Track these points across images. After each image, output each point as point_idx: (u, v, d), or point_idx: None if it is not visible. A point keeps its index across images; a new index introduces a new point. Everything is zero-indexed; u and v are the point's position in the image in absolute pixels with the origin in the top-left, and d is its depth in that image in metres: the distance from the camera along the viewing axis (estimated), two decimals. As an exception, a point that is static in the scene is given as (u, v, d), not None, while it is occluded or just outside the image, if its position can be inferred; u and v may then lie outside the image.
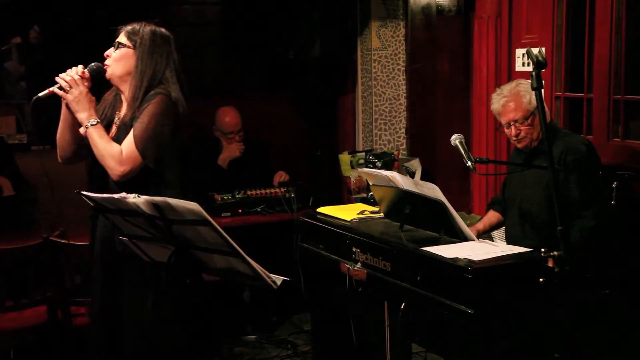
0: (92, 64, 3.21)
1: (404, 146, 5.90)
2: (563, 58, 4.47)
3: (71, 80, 3.10)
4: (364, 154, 5.53)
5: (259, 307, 5.32)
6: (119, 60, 3.21)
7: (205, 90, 5.92)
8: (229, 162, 5.42)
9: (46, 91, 3.13)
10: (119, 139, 3.14)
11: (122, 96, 3.27)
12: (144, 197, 2.59)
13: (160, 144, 3.12)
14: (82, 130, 3.12)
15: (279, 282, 2.64)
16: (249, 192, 5.08)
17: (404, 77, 5.86)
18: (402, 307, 3.23)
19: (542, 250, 2.89)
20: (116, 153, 3.08)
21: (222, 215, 4.94)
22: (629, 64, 4.07)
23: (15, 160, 5.20)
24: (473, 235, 3.37)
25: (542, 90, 2.77)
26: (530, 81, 3.45)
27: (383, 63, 5.82)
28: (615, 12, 4.06)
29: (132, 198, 2.62)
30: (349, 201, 5.35)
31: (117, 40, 3.25)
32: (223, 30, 6.12)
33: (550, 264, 2.95)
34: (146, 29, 3.25)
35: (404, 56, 5.83)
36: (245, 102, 5.81)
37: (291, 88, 6.24)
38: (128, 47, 3.21)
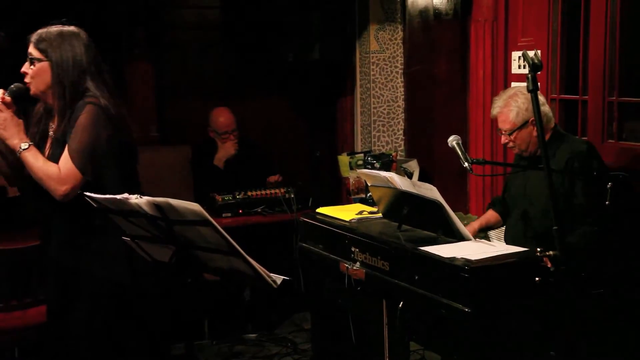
0: (12, 85, 3.02)
1: (402, 147, 5.90)
2: (558, 61, 4.47)
3: None
4: (362, 155, 5.53)
5: (259, 306, 5.32)
6: (37, 76, 3.02)
7: (206, 92, 5.92)
8: (224, 161, 5.41)
9: None
10: (54, 154, 3.00)
11: (53, 110, 3.08)
12: (145, 198, 2.59)
13: (97, 156, 2.97)
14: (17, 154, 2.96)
15: (279, 282, 2.64)
16: (249, 193, 5.08)
17: (402, 79, 5.86)
18: (400, 305, 3.23)
19: (538, 250, 2.90)
20: (54, 173, 2.92)
21: (223, 215, 4.94)
22: (623, 66, 4.08)
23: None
24: (470, 235, 3.37)
25: (538, 92, 2.77)
26: (527, 94, 3.51)
27: (381, 66, 5.82)
28: (610, 16, 4.08)
29: (134, 199, 2.62)
30: (348, 202, 5.35)
31: (29, 52, 3.03)
32: (224, 33, 6.12)
33: (546, 264, 2.95)
34: (52, 30, 3.05)
35: (402, 59, 5.84)
36: (245, 104, 5.82)
37: (291, 90, 6.25)
38: (41, 59, 3.01)
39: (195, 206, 2.49)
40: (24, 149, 2.94)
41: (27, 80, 3.03)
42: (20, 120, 2.99)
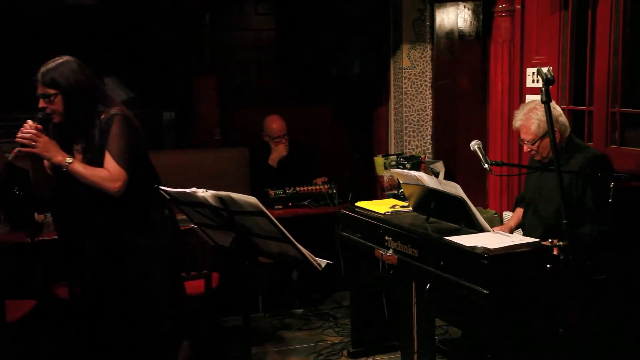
0: (38, 114, 2.99)
1: (430, 150, 5.85)
2: (567, 76, 4.41)
3: (31, 136, 2.90)
4: (395, 157, 5.49)
5: (305, 285, 5.32)
6: (57, 109, 2.99)
7: (262, 102, 5.94)
8: (277, 161, 5.43)
9: (13, 153, 2.94)
10: (91, 164, 3.00)
11: (74, 129, 3.06)
12: (210, 192, 2.60)
13: (132, 157, 3.01)
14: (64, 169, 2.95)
15: (323, 265, 2.64)
16: (297, 189, 5.08)
17: (430, 92, 5.81)
18: (427, 287, 3.21)
19: (550, 240, 2.85)
20: (106, 175, 2.95)
21: (275, 207, 4.94)
22: (625, 80, 4.01)
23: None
24: (489, 227, 3.33)
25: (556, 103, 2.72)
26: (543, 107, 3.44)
27: (412, 80, 5.78)
28: (613, 36, 4.02)
29: (201, 192, 2.63)
30: (383, 197, 5.32)
31: (41, 93, 2.98)
32: (278, 52, 6.13)
33: (555, 253, 2.90)
34: (52, 68, 2.99)
35: (430, 74, 5.79)
36: (295, 112, 5.81)
37: (334, 100, 6.24)
38: (56, 94, 2.97)
39: (252, 199, 2.49)
40: (69, 163, 2.95)
41: (48, 112, 2.99)
42: (54, 141, 2.98)
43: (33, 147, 2.91)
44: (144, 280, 3.09)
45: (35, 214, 4.39)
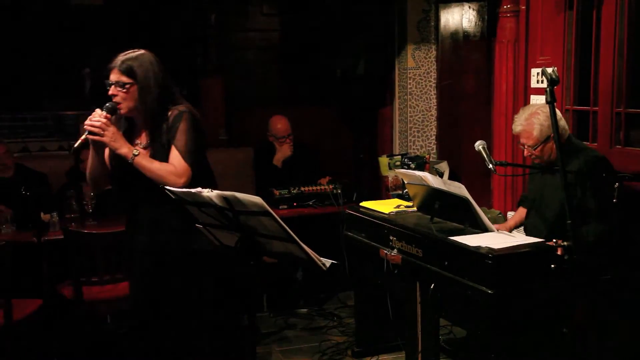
0: (107, 104, 2.95)
1: (434, 151, 5.85)
2: (572, 76, 4.40)
3: (101, 124, 2.89)
4: (400, 157, 5.50)
5: (310, 285, 5.33)
6: (127, 99, 2.96)
7: (267, 103, 5.95)
8: (282, 161, 5.43)
9: (80, 140, 2.92)
10: (154, 158, 2.99)
11: (137, 122, 3.07)
12: (215, 192, 2.60)
13: (198, 153, 3.02)
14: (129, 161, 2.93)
15: (328, 264, 2.63)
16: (302, 189, 5.09)
17: (435, 92, 5.81)
18: (431, 287, 3.21)
19: (554, 240, 2.85)
20: (172, 170, 2.94)
21: (280, 207, 4.95)
22: (629, 81, 4.00)
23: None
24: (493, 227, 3.33)
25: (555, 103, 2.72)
26: (546, 110, 3.42)
27: (417, 80, 5.78)
28: (618, 36, 4.00)
29: (206, 192, 2.63)
30: (387, 197, 5.32)
31: (115, 80, 2.96)
32: (282, 52, 6.14)
33: (559, 253, 2.90)
34: (132, 58, 2.98)
35: (435, 74, 5.79)
36: (299, 113, 5.83)
37: (339, 101, 6.24)
38: (129, 83, 2.95)
39: (257, 199, 2.49)
40: (136, 155, 2.93)
41: (118, 100, 2.96)
42: (121, 132, 2.98)
43: (102, 135, 2.89)
44: (189, 282, 3.13)
45: (42, 214, 4.41)
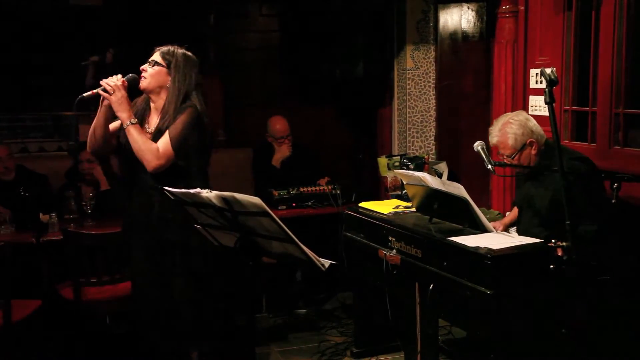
0: (130, 74, 3.21)
1: (433, 151, 5.85)
2: (571, 77, 4.40)
3: (114, 85, 3.10)
4: (399, 157, 5.49)
5: (309, 286, 5.33)
6: (153, 76, 3.22)
7: (266, 103, 5.95)
8: (280, 162, 5.43)
9: (90, 92, 3.14)
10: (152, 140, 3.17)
11: (152, 105, 3.29)
12: (214, 193, 2.61)
13: (189, 146, 3.16)
14: (123, 127, 3.14)
15: (327, 265, 2.63)
16: (301, 189, 5.08)
17: (434, 93, 5.81)
18: (430, 287, 3.20)
19: (552, 241, 2.85)
20: (154, 149, 3.11)
21: (279, 208, 4.95)
22: (628, 81, 4.00)
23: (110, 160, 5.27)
24: (492, 228, 3.33)
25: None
26: (519, 118, 3.51)
27: (416, 81, 5.78)
28: (617, 37, 4.00)
29: (205, 193, 2.63)
30: (386, 197, 5.32)
31: (153, 58, 3.25)
32: (281, 53, 6.14)
33: (559, 253, 2.90)
34: (179, 51, 3.28)
35: (434, 75, 5.79)
36: (298, 113, 5.82)
37: (338, 101, 6.24)
38: (162, 65, 3.22)
39: (256, 199, 2.49)
40: (132, 123, 3.11)
41: (143, 75, 3.21)
42: (130, 102, 3.17)
43: (110, 94, 3.10)
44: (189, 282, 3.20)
45: (41, 215, 4.40)
